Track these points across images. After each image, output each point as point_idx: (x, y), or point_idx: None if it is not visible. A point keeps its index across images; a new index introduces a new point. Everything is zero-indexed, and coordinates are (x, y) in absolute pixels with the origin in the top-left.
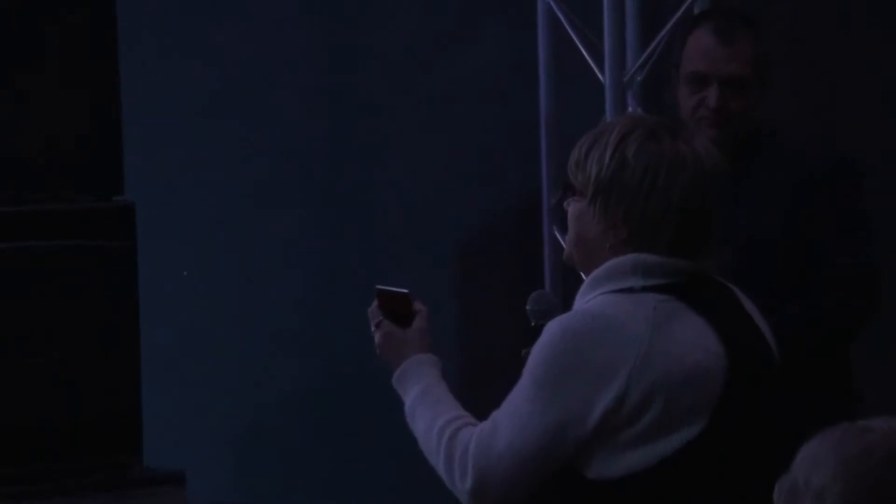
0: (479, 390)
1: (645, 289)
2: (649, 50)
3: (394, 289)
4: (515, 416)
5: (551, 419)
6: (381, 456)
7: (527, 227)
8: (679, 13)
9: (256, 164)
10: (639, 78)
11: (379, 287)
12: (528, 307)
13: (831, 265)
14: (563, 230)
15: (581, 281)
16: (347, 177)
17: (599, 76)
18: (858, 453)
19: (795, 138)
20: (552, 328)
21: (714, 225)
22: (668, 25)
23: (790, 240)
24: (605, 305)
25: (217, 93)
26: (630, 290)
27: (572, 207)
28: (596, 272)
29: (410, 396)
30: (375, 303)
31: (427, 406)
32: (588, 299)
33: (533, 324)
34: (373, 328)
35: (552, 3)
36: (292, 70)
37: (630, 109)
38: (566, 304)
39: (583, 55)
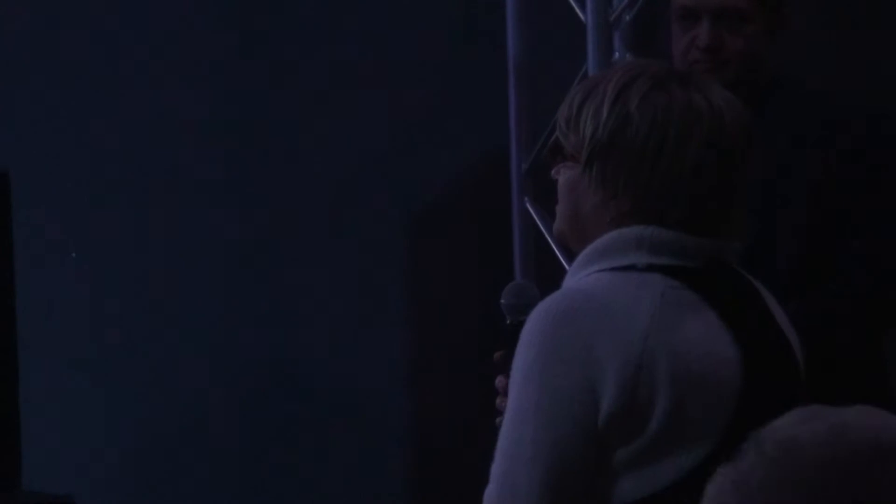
0: (431, 396)
1: (651, 268)
2: None
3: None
4: (518, 444)
5: (565, 420)
6: (291, 473)
7: (492, 198)
8: None
9: (159, 123)
10: (628, 17)
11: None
12: (502, 301)
13: (863, 245)
14: (538, 202)
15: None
16: (269, 135)
17: (580, 14)
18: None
19: (819, 92)
20: (533, 316)
21: (738, 196)
22: None
23: (814, 215)
24: (601, 285)
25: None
26: (632, 269)
27: (563, 176)
28: (592, 246)
29: None
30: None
31: None
32: (580, 277)
33: (508, 321)
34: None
35: None
36: (202, 10)
37: (617, 55)
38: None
39: None
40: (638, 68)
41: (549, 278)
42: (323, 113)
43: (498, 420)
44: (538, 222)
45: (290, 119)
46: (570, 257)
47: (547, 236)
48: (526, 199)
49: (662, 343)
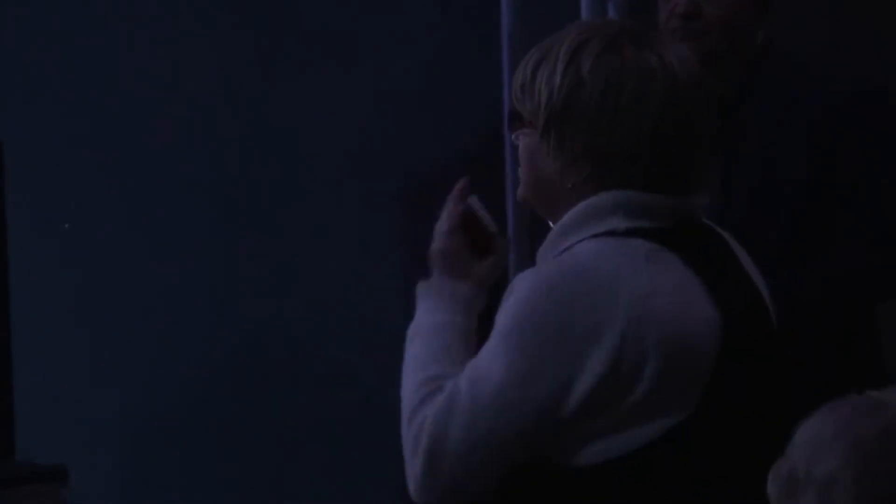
0: None
1: (629, 232)
2: None
3: (485, 215)
4: (480, 386)
5: (531, 397)
6: (285, 457)
7: (485, 166)
8: None
9: (153, 94)
10: None
11: (472, 201)
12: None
13: (857, 217)
14: None
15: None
16: (260, 104)
17: None
18: (874, 435)
19: (811, 63)
20: (530, 281)
21: (699, 152)
22: None
23: (805, 189)
24: (593, 254)
25: None
26: (612, 234)
27: (522, 142)
28: (569, 216)
29: (418, 320)
30: (459, 208)
31: (424, 347)
32: (564, 248)
33: None
34: (443, 226)
35: None
36: None
37: None
38: (532, 258)
39: None
40: (590, 30)
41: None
42: (316, 86)
43: None
44: None
45: (284, 91)
46: None
47: None
48: (519, 168)
49: (650, 309)
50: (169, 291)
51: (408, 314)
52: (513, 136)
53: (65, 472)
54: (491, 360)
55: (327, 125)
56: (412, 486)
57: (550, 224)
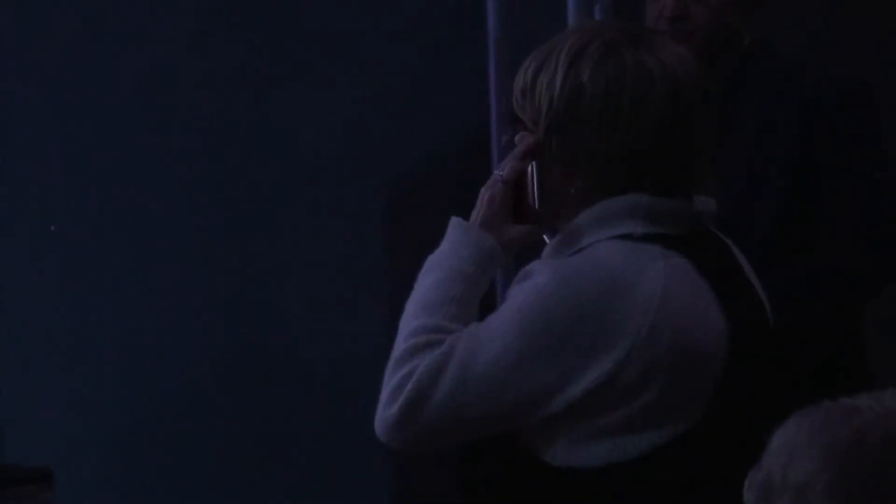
0: None
1: (646, 237)
2: None
3: (535, 188)
4: (476, 357)
5: (522, 383)
6: (276, 459)
7: (471, 169)
8: None
9: (135, 98)
10: None
11: (533, 167)
12: None
13: (845, 216)
14: None
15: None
16: (249, 104)
17: None
18: (849, 439)
19: (795, 63)
20: (549, 272)
21: (701, 154)
22: None
23: (793, 187)
24: (611, 257)
25: None
26: (629, 237)
27: (525, 148)
28: (586, 215)
29: (441, 254)
30: (522, 165)
31: (434, 288)
32: (580, 248)
33: None
34: (499, 175)
35: None
36: None
37: None
38: (517, 265)
39: None
40: (589, 34)
41: (530, 251)
42: (302, 88)
43: None
44: None
45: (269, 93)
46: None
47: None
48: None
49: (663, 318)
50: (158, 293)
51: (395, 314)
52: (516, 139)
53: (50, 475)
54: (494, 334)
55: (315, 128)
56: (380, 425)
57: (546, 238)
